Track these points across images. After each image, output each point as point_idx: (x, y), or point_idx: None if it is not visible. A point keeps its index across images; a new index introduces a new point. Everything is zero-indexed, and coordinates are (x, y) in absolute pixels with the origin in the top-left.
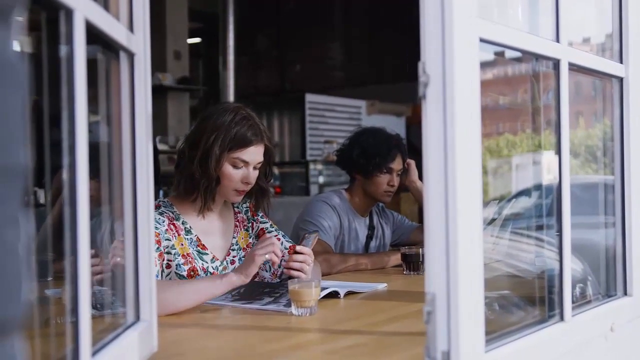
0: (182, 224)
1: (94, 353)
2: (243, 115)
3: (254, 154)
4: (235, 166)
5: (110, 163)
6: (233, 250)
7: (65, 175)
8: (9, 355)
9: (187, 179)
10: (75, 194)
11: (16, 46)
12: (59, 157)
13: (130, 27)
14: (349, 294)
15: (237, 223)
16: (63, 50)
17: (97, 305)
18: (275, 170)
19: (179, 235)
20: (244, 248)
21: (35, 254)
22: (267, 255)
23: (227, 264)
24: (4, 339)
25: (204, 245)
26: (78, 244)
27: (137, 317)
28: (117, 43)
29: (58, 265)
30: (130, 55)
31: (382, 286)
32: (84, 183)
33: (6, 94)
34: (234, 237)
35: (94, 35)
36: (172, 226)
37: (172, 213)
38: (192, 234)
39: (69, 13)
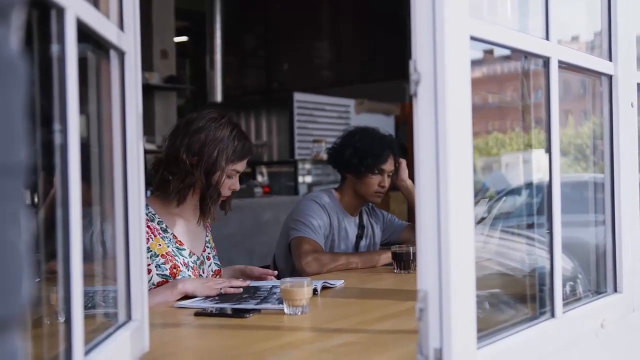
0: (158, 224)
1: (86, 352)
2: (238, 128)
3: (245, 164)
4: (229, 176)
5: (100, 163)
6: (208, 247)
7: (56, 175)
8: (11, 352)
9: (187, 188)
10: (68, 194)
11: (16, 44)
12: (48, 157)
13: (121, 26)
14: (324, 288)
15: (207, 224)
16: (54, 48)
17: (87, 304)
18: (264, 170)
19: (155, 236)
20: (213, 247)
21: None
22: (221, 290)
23: (203, 258)
24: (6, 335)
25: (180, 241)
26: (70, 244)
27: (129, 317)
28: (107, 42)
29: (47, 266)
30: (121, 54)
31: (340, 283)
32: (76, 183)
33: (7, 93)
34: (207, 236)
35: (84, 34)
36: (147, 228)
37: (147, 214)
38: (168, 232)
39: (60, 12)
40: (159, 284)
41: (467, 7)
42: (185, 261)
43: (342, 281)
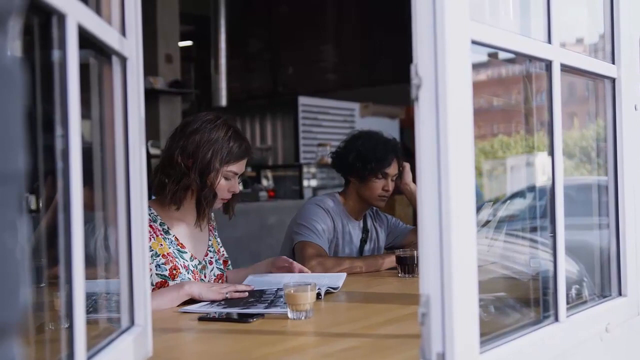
0: (160, 225)
1: (89, 358)
2: (234, 130)
3: (243, 165)
4: (226, 178)
5: (103, 168)
6: (210, 251)
7: (58, 180)
8: (9, 358)
9: (183, 190)
10: (69, 200)
11: (13, 51)
12: (51, 162)
13: (123, 32)
14: (327, 293)
15: (210, 228)
16: (55, 54)
17: (89, 309)
18: (269, 174)
19: (157, 236)
20: (217, 251)
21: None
22: (227, 295)
23: (205, 263)
24: (3, 342)
25: (182, 244)
26: (72, 249)
27: (132, 322)
28: (109, 47)
29: (51, 271)
30: (123, 60)
31: (342, 277)
32: (78, 188)
33: (4, 100)
34: (210, 240)
35: (86, 40)
36: (149, 228)
37: (150, 215)
38: (170, 234)
39: (62, 18)
40: (157, 285)
41: (468, 11)
42: (186, 264)
43: (344, 274)
